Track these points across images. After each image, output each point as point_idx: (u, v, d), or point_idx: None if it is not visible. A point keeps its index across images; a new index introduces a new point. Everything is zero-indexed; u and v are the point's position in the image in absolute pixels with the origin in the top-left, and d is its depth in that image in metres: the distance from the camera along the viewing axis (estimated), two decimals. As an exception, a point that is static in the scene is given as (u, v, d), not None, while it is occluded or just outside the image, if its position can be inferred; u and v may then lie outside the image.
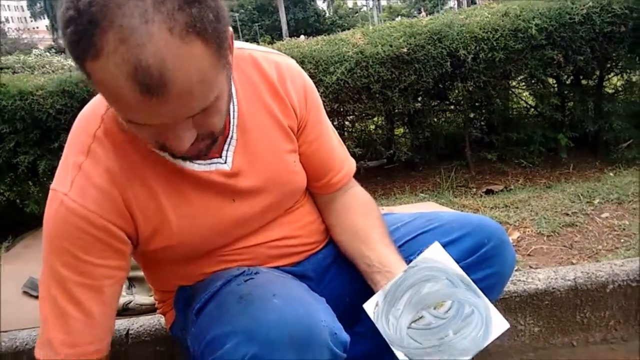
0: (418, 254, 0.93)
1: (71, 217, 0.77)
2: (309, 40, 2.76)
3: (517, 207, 2.17)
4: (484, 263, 0.95)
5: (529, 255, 1.77)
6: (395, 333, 0.83)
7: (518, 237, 1.88)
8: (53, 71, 10.48)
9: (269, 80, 0.90)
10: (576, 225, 1.91)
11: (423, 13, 29.63)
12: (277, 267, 0.98)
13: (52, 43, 57.23)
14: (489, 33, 2.40)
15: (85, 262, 0.78)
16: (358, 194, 1.06)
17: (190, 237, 0.86)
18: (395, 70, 2.46)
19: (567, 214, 2.02)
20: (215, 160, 0.85)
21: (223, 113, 0.73)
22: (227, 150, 0.86)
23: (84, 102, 2.71)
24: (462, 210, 2.23)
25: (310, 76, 0.99)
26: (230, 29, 0.71)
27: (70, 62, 11.41)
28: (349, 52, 2.49)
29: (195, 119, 0.68)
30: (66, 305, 0.78)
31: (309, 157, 0.98)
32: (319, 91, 1.01)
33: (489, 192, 2.53)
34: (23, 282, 2.12)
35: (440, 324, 0.82)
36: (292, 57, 2.70)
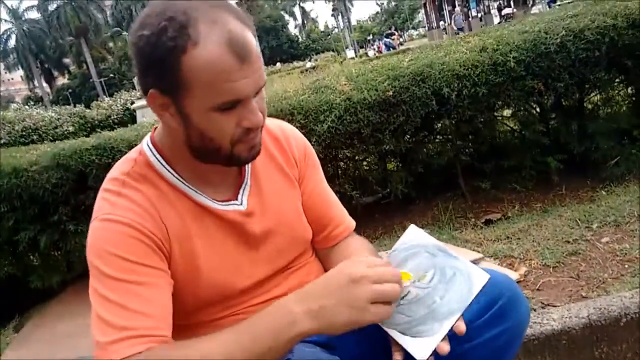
0: None
1: (119, 227, 0.83)
2: (295, 90, 2.81)
3: (519, 238, 2.21)
4: (499, 319, 0.98)
5: (538, 290, 1.81)
6: (365, 324, 0.84)
7: (526, 272, 1.92)
8: (34, 124, 10.51)
9: (274, 136, 1.04)
10: (579, 254, 1.96)
11: (396, 35, 30.11)
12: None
13: (29, 93, 57.10)
14: (469, 70, 2.47)
15: (141, 264, 0.82)
16: (358, 241, 1.12)
17: (210, 270, 0.91)
18: (384, 114, 2.52)
19: (569, 242, 2.07)
20: (232, 202, 0.95)
21: (265, 107, 0.89)
22: (242, 195, 0.97)
23: (80, 174, 2.73)
24: (465, 246, 2.27)
25: (301, 127, 1.13)
26: None
27: (51, 113, 11.36)
28: (336, 99, 2.55)
29: (256, 99, 0.84)
30: (127, 303, 0.78)
31: (309, 207, 1.07)
32: (311, 141, 1.13)
33: (487, 222, 2.57)
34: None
35: (427, 293, 0.85)
36: (280, 109, 2.73)
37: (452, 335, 0.96)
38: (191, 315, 0.94)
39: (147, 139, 0.95)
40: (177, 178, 0.91)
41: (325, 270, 1.11)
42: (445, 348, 0.81)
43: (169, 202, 0.89)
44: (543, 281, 1.86)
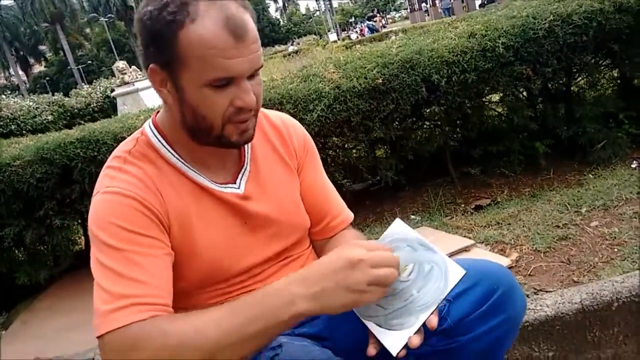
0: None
1: (120, 198, 0.85)
2: (283, 79, 2.78)
3: (509, 224, 2.23)
4: (496, 310, 0.98)
5: (530, 275, 1.83)
6: (363, 305, 0.86)
7: (517, 257, 1.94)
8: (12, 114, 10.27)
9: (275, 127, 1.07)
10: (569, 238, 1.99)
11: (378, 17, 29.90)
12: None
13: (5, 82, 55.70)
14: (458, 56, 2.46)
15: (141, 234, 0.84)
16: (352, 232, 1.15)
17: (207, 247, 0.93)
18: (373, 102, 2.51)
19: (559, 226, 2.09)
20: (230, 185, 0.97)
21: (261, 91, 0.91)
22: (240, 179, 0.99)
23: (64, 168, 2.68)
24: (456, 232, 2.29)
25: (290, 116, 1.15)
26: None
27: (29, 102, 11.09)
28: (325, 88, 2.52)
29: (253, 80, 0.87)
30: (129, 273, 0.80)
31: (308, 198, 1.09)
32: None
33: (477, 207, 2.59)
34: (29, 364, 2.08)
35: (405, 286, 0.87)
36: (269, 99, 2.69)
37: (448, 329, 0.97)
38: (184, 298, 0.94)
39: (149, 121, 0.98)
40: (177, 158, 0.93)
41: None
42: (415, 341, 0.82)
43: (168, 181, 0.91)
44: (534, 266, 1.88)
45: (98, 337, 0.77)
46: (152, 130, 0.95)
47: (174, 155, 0.93)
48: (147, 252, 0.83)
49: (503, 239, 2.11)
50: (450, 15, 19.08)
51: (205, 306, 0.92)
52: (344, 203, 1.16)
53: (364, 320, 0.88)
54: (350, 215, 1.15)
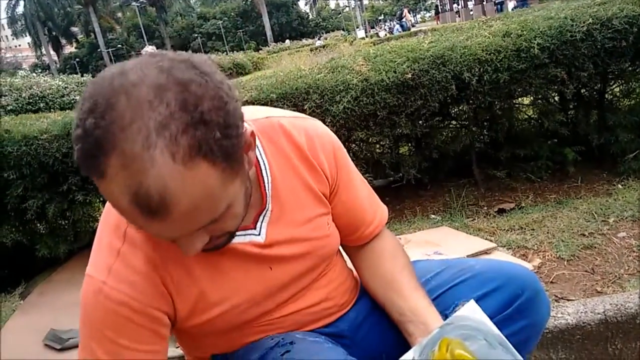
0: (453, 309, 0.94)
1: (112, 305, 0.77)
2: (311, 69, 2.76)
3: (533, 229, 2.18)
4: (519, 315, 0.96)
5: (552, 282, 1.79)
6: None
7: (539, 264, 1.90)
8: (41, 92, 10.48)
9: (299, 149, 0.92)
10: (595, 247, 1.93)
11: (405, 12, 29.63)
12: (311, 330, 0.99)
13: (36, 61, 56.84)
14: (492, 55, 2.41)
15: (128, 348, 0.79)
16: (386, 239, 1.08)
17: (229, 309, 0.87)
18: (401, 96, 2.47)
19: (584, 235, 2.04)
20: (249, 231, 0.86)
21: (238, 216, 0.75)
22: (261, 222, 0.88)
23: (90, 144, 2.70)
24: (477, 234, 2.25)
25: (316, 106, 1.04)
26: (249, 129, 0.72)
27: (58, 82, 11.32)
28: (353, 80, 2.49)
29: (207, 227, 0.70)
30: None
31: (343, 216, 1.00)
32: (326, 121, 1.03)
33: (501, 211, 2.54)
34: (43, 334, 2.11)
35: None
36: (296, 88, 2.69)
37: None
38: (213, 346, 0.95)
39: None
40: None
41: (351, 262, 1.09)
42: None
43: (172, 252, 0.80)
44: (557, 274, 1.83)
45: None
46: None
47: None
48: None
49: (526, 244, 2.06)
50: (500, 11, 18.56)
51: (236, 347, 0.93)
52: (377, 201, 1.08)
53: None
54: (383, 216, 1.07)
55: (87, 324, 0.80)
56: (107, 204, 0.84)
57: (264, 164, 0.88)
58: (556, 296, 1.69)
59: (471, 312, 0.86)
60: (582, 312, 1.50)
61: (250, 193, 0.79)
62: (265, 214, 0.88)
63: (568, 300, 1.66)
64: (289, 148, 0.91)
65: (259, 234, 0.87)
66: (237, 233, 0.84)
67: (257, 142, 0.85)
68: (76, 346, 1.98)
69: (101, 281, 0.78)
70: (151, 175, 0.59)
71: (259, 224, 0.87)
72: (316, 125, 0.98)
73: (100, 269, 0.79)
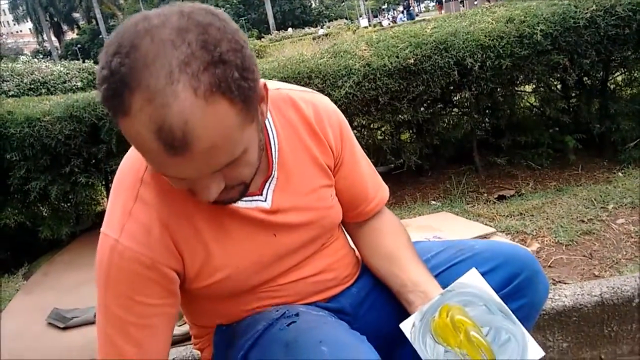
0: None
1: (125, 262, 0.80)
2: (313, 54, 2.76)
3: (532, 215, 2.20)
4: (517, 294, 0.97)
5: (550, 266, 1.81)
6: (433, 356, 0.85)
7: (538, 248, 1.91)
8: (43, 77, 10.46)
9: (307, 121, 0.95)
10: (593, 233, 1.95)
11: (412, 2, 29.41)
12: (313, 303, 1.01)
13: (38, 47, 56.60)
14: (494, 40, 2.41)
15: (140, 302, 0.82)
16: (386, 217, 1.11)
17: (234, 273, 0.89)
18: (403, 82, 2.47)
19: (583, 221, 2.05)
20: (256, 197, 0.89)
21: (252, 164, 0.77)
22: (267, 189, 0.90)
23: (93, 126, 2.72)
24: (477, 220, 2.26)
25: (318, 91, 1.04)
26: (262, 80, 0.74)
27: (60, 67, 11.28)
28: (355, 64, 2.50)
29: (224, 171, 0.72)
30: (123, 344, 0.82)
31: (345, 191, 1.03)
32: None
33: (501, 197, 2.55)
34: (47, 314, 2.14)
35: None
36: (298, 72, 2.69)
37: None
38: (216, 313, 0.97)
39: None
40: None
41: (352, 239, 1.11)
42: None
43: (183, 212, 0.83)
44: (555, 258, 1.85)
45: None
46: None
47: None
48: (148, 324, 0.83)
49: (525, 230, 2.08)
50: None
51: (239, 313, 0.95)
52: (379, 180, 1.10)
53: None
54: (384, 194, 1.09)
55: (103, 280, 0.83)
56: (120, 167, 0.87)
57: (272, 132, 0.90)
58: (554, 280, 1.71)
59: (472, 279, 0.88)
60: (579, 295, 1.51)
61: (263, 146, 0.81)
62: (272, 180, 0.90)
63: (565, 283, 1.67)
64: (297, 120, 0.94)
65: (265, 200, 0.90)
66: (244, 199, 0.86)
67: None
68: (80, 325, 2.01)
69: (114, 239, 0.81)
70: (174, 109, 0.61)
71: (265, 190, 0.90)
72: (324, 100, 1.01)
73: (114, 228, 0.82)
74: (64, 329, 2.02)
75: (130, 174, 0.85)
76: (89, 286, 2.33)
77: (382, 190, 1.09)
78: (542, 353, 0.83)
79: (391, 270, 1.00)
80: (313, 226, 0.96)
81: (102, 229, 0.84)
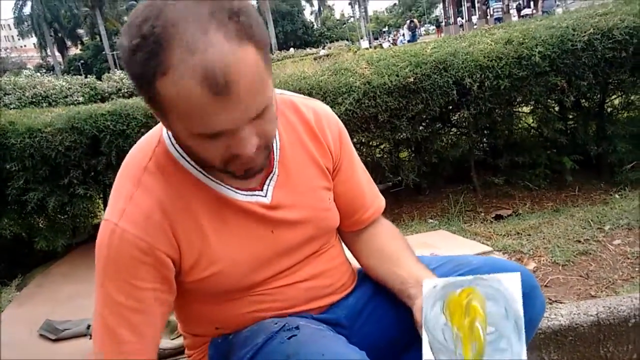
0: None
1: (124, 246, 0.82)
2: (315, 71, 2.79)
3: (529, 235, 2.20)
4: None
5: (546, 286, 1.80)
6: (432, 321, 0.85)
7: (534, 268, 1.91)
8: (45, 91, 10.52)
9: (307, 124, 0.98)
10: (590, 254, 1.95)
11: (416, 21, 29.81)
12: (309, 313, 1.00)
13: (41, 61, 57.08)
14: (493, 61, 2.44)
15: (138, 287, 0.83)
16: (384, 223, 1.12)
17: (230, 266, 0.89)
18: (403, 100, 2.50)
19: (580, 241, 2.05)
20: (256, 192, 0.91)
21: (275, 122, 0.81)
22: (268, 185, 0.92)
23: (93, 138, 2.72)
24: (474, 239, 2.26)
25: None
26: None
27: (62, 82, 11.37)
28: (356, 82, 2.52)
29: (255, 124, 0.75)
30: (121, 329, 0.83)
31: (343, 195, 1.04)
32: None
33: (498, 217, 2.56)
34: (38, 325, 2.11)
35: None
36: (299, 88, 2.71)
37: None
38: (210, 314, 0.96)
39: (166, 130, 0.89)
40: (198, 170, 0.87)
41: (349, 247, 1.11)
42: None
43: (184, 202, 0.85)
44: (552, 278, 1.84)
45: None
46: (170, 140, 0.87)
47: (194, 167, 0.87)
48: (145, 310, 0.84)
49: (521, 249, 2.08)
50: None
51: (235, 318, 0.95)
52: (376, 190, 1.11)
53: (425, 331, 0.86)
54: (381, 204, 1.11)
55: (102, 262, 0.84)
56: (125, 160, 0.89)
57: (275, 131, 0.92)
58: (550, 299, 1.70)
59: (510, 282, 0.86)
60: (575, 314, 1.51)
61: (275, 115, 0.83)
62: (272, 177, 0.93)
63: (562, 303, 1.67)
64: (298, 122, 0.97)
65: (265, 196, 0.91)
66: (245, 193, 0.89)
67: None
68: (72, 337, 1.99)
69: (114, 223, 0.82)
70: (214, 55, 0.66)
71: (265, 186, 0.92)
72: (325, 107, 1.04)
73: (115, 212, 0.83)
74: (56, 340, 1.99)
75: (135, 163, 0.87)
76: (83, 298, 2.31)
77: (379, 200, 1.10)
78: None
79: (391, 269, 1.01)
80: (310, 225, 0.97)
81: (104, 216, 0.85)
